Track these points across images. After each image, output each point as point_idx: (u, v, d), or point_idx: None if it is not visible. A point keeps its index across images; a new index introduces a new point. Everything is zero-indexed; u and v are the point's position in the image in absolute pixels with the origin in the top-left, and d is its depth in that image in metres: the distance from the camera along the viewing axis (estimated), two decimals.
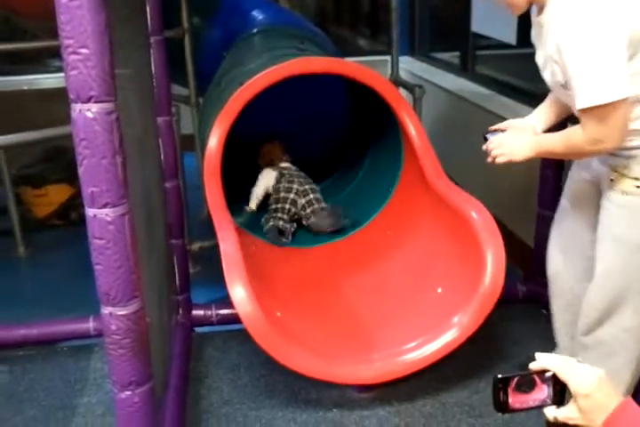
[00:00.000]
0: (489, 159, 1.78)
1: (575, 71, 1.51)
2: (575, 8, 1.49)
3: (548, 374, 0.97)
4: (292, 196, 2.74)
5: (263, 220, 2.74)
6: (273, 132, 3.03)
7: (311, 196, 2.75)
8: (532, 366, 0.99)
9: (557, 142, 1.67)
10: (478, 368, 2.22)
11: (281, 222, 2.68)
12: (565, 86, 1.58)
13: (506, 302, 2.37)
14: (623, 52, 1.48)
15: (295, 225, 2.75)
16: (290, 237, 2.69)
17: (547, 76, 1.68)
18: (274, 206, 2.75)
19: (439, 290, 2.21)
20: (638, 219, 1.64)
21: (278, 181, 2.82)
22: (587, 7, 1.48)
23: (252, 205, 2.85)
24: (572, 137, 1.61)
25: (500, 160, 1.75)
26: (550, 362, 0.97)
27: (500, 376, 0.97)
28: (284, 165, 2.91)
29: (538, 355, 0.99)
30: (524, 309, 2.58)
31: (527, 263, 2.68)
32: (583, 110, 1.53)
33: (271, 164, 2.91)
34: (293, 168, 2.89)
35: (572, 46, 1.50)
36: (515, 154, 1.72)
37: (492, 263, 1.98)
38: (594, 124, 1.53)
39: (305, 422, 2.01)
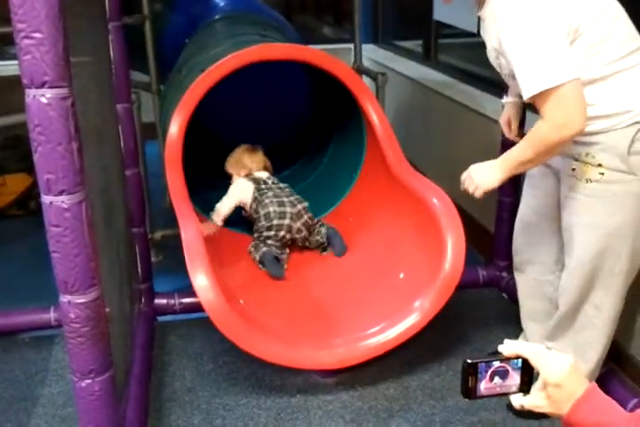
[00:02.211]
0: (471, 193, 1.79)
1: (517, 60, 1.53)
2: None
3: (517, 361, 0.95)
4: (287, 222, 2.43)
5: (251, 247, 2.48)
6: (254, 137, 2.80)
7: (305, 217, 2.48)
8: (502, 350, 0.96)
9: (524, 148, 1.64)
10: (440, 352, 2.26)
11: (274, 249, 2.44)
12: (514, 77, 1.60)
13: (467, 286, 2.43)
14: (562, 37, 1.50)
15: (288, 251, 2.50)
16: (285, 266, 2.44)
17: (497, 68, 1.71)
18: (265, 234, 2.45)
19: (401, 275, 2.23)
20: (605, 205, 1.66)
21: (257, 198, 2.50)
22: None
23: (218, 220, 2.55)
24: (536, 133, 1.59)
25: (476, 194, 1.76)
26: (522, 349, 0.95)
27: (469, 361, 0.94)
28: (260, 175, 2.60)
29: (507, 342, 0.97)
30: (484, 293, 2.62)
31: (488, 248, 2.73)
32: (535, 98, 1.53)
33: (246, 174, 2.61)
34: (272, 180, 2.60)
35: (511, 36, 1.52)
36: (485, 182, 1.73)
37: (453, 248, 2.00)
38: (550, 110, 1.53)
39: (269, 407, 2.02)
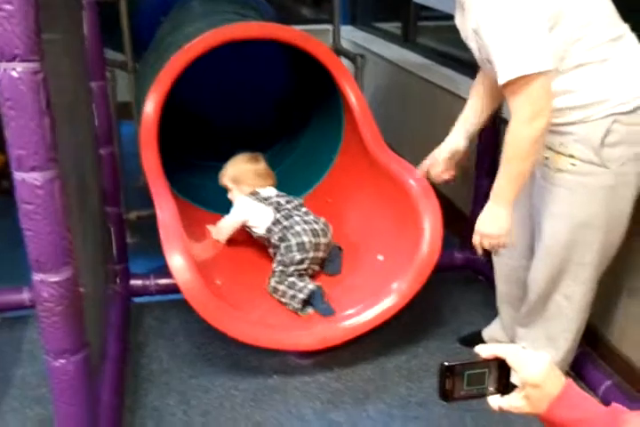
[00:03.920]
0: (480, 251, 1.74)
1: (494, 46, 1.51)
2: None
3: (493, 363, 0.94)
4: (320, 254, 2.25)
5: (275, 281, 2.20)
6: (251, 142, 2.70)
7: (329, 248, 2.30)
8: (479, 351, 0.95)
9: (505, 163, 1.59)
10: (416, 334, 2.27)
11: (317, 286, 2.17)
12: (491, 62, 1.58)
13: (443, 268, 2.43)
14: (542, 25, 1.48)
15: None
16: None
17: (475, 53, 1.69)
18: (295, 267, 2.21)
19: (379, 257, 2.24)
20: (576, 196, 1.66)
21: (280, 221, 2.25)
22: None
23: (223, 238, 2.37)
24: (510, 138, 1.55)
25: (502, 244, 1.69)
26: (498, 350, 0.94)
27: (446, 364, 0.92)
28: (268, 193, 2.36)
29: (482, 345, 0.96)
30: (460, 275, 2.64)
31: (463, 231, 2.73)
32: (508, 86, 1.51)
33: (251, 192, 2.35)
34: (284, 198, 2.36)
35: (489, 21, 1.51)
36: (498, 228, 1.67)
37: (430, 231, 2.01)
38: (521, 102, 1.51)
39: (245, 389, 2.02)
